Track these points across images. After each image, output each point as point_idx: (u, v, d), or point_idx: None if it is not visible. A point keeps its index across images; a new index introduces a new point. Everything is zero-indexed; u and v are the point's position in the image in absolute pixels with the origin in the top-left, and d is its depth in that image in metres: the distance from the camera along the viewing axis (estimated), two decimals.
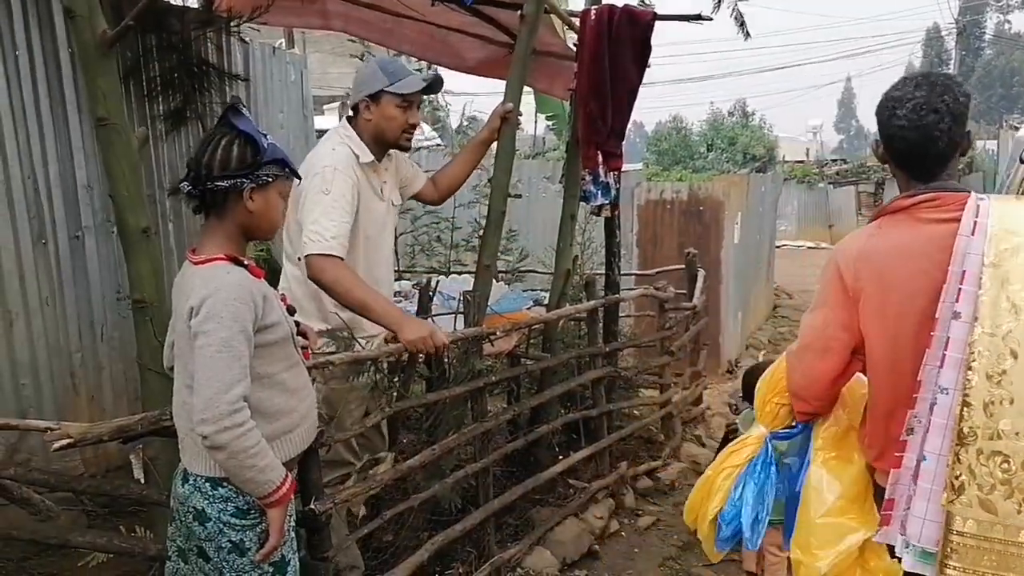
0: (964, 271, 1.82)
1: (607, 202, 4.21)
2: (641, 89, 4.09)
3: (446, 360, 3.35)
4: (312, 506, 2.42)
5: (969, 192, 1.93)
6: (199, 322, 1.90)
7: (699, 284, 6.18)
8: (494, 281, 4.43)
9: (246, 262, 2.05)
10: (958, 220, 1.87)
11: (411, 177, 3.37)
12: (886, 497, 1.93)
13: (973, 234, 1.83)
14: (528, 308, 4.34)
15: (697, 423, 6.22)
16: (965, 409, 1.79)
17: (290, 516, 2.12)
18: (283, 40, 8.63)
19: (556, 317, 4.09)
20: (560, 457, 4.26)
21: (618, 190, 4.23)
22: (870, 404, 2.09)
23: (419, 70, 5.81)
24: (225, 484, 1.99)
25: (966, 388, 1.79)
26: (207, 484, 2.00)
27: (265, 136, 2.04)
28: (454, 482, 3.19)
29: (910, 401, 1.88)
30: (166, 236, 4.45)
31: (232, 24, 4.24)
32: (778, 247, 13.46)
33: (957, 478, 1.80)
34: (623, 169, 4.31)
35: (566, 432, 4.62)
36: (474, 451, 3.46)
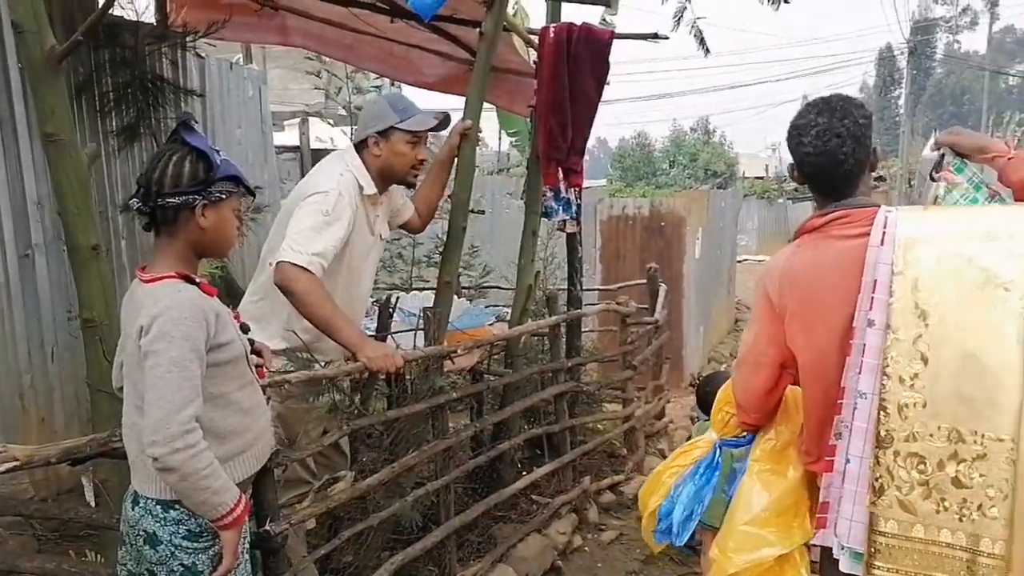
0: (875, 280, 1.89)
1: (569, 218, 4.22)
2: (604, 106, 4.13)
3: (407, 377, 3.33)
4: (267, 527, 2.38)
5: (878, 206, 2.00)
6: (149, 341, 1.85)
7: (661, 299, 6.22)
8: (456, 297, 4.42)
9: (198, 280, 2.02)
10: (868, 234, 1.94)
11: (400, 207, 3.38)
12: (820, 500, 1.99)
13: (882, 244, 1.90)
14: (490, 324, 4.33)
15: (660, 437, 6.24)
16: (882, 413, 1.85)
17: (244, 538, 2.08)
18: (241, 55, 8.57)
19: (518, 333, 4.09)
20: (523, 473, 4.24)
21: (579, 206, 4.25)
22: (804, 414, 2.15)
23: (378, 87, 5.81)
24: (177, 507, 1.95)
25: (882, 393, 1.85)
26: (158, 507, 1.96)
27: (218, 152, 2.02)
28: (414, 500, 3.15)
29: (839, 407, 1.93)
30: (118, 254, 4.37)
31: (187, 39, 4.20)
32: (739, 262, 13.62)
33: (877, 480, 1.85)
34: (587, 185, 4.35)
35: (529, 448, 4.61)
36: (435, 468, 3.43)
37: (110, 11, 3.30)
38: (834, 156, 2.02)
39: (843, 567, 1.91)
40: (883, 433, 1.84)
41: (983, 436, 1.77)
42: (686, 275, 8.57)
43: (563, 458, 4.41)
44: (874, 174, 2.18)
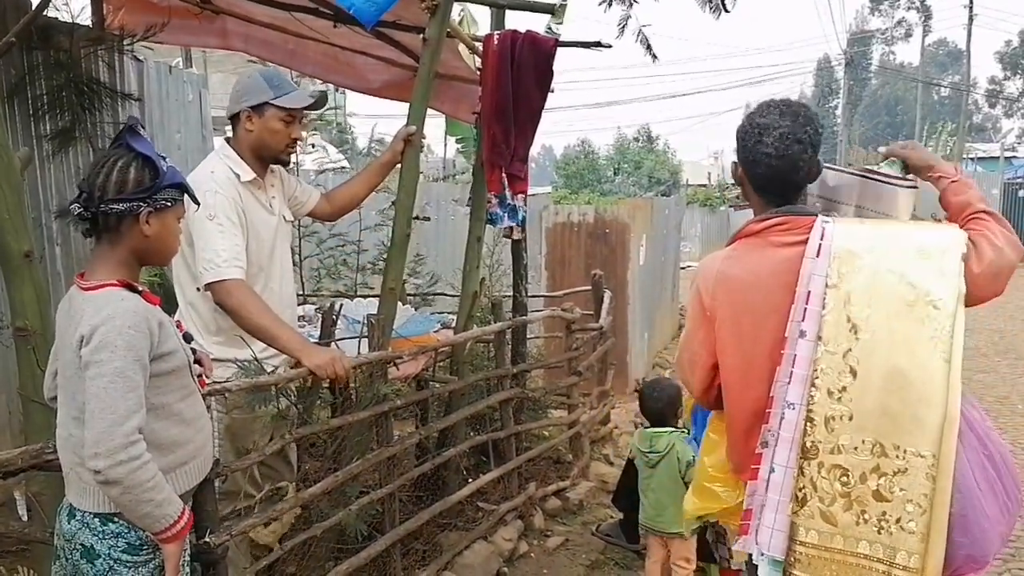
0: (809, 292, 1.92)
1: (514, 224, 4.24)
2: (549, 113, 4.16)
3: (352, 385, 3.30)
4: (207, 539, 2.34)
5: (816, 215, 2.02)
6: (91, 351, 1.81)
7: (605, 305, 6.27)
8: (401, 304, 4.40)
9: (140, 288, 1.98)
10: (806, 242, 1.96)
11: (301, 194, 3.32)
12: (744, 507, 2.01)
13: (818, 256, 1.93)
14: (436, 331, 4.32)
15: (605, 442, 6.29)
16: (808, 424, 1.88)
17: (185, 550, 2.04)
18: (180, 59, 8.43)
19: (463, 339, 4.09)
20: (469, 480, 4.24)
21: (525, 212, 4.27)
22: (728, 421, 2.15)
23: (323, 92, 5.75)
24: (116, 519, 1.91)
25: (810, 404, 1.88)
26: (96, 520, 1.91)
27: (164, 159, 1.99)
28: (359, 508, 3.13)
29: (766, 416, 1.95)
30: (52, 261, 4.25)
31: (125, 42, 4.12)
32: (683, 268, 13.80)
33: (800, 490, 1.88)
34: (533, 192, 4.37)
35: (475, 455, 4.61)
36: (380, 476, 3.41)
37: (44, 12, 3.22)
38: (794, 162, 2.02)
39: (762, 574, 1.94)
40: (808, 444, 1.87)
41: (905, 451, 1.80)
42: (631, 281, 8.65)
43: (508, 465, 4.42)
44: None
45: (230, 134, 3.08)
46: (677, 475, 3.66)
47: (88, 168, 2.03)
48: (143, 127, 2.03)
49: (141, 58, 4.81)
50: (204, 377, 2.29)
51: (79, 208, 1.93)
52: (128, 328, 1.84)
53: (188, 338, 2.16)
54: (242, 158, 2.97)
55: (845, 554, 1.85)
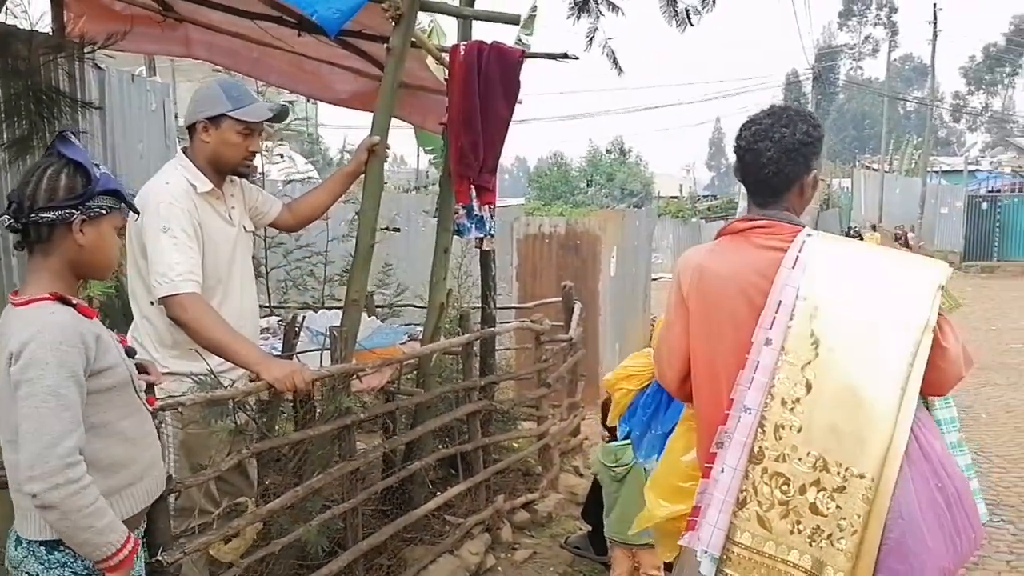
0: (780, 301, 1.94)
1: (482, 235, 4.22)
2: (523, 125, 4.17)
3: (316, 397, 3.26)
4: (160, 557, 2.27)
5: (802, 227, 2.04)
6: (20, 369, 1.73)
7: (576, 316, 6.26)
8: (368, 316, 4.36)
9: (74, 301, 1.88)
10: (786, 250, 1.98)
11: (262, 204, 3.27)
12: (694, 504, 2.03)
13: (794, 267, 1.95)
14: (402, 343, 4.27)
15: (575, 453, 6.26)
16: (760, 430, 1.90)
17: (138, 572, 1.98)
18: (144, 67, 8.32)
19: (429, 351, 4.05)
20: (436, 493, 4.19)
21: (493, 223, 4.25)
22: (697, 419, 2.21)
23: (291, 103, 5.71)
24: (61, 548, 1.83)
25: (764, 411, 1.90)
26: (41, 548, 1.83)
27: (98, 166, 1.92)
28: (321, 524, 3.07)
29: (724, 417, 1.97)
30: (10, 272, 4.15)
31: (85, 50, 4.04)
32: (655, 279, 13.85)
33: (743, 492, 1.90)
34: (507, 204, 4.37)
35: (442, 467, 4.57)
36: (343, 491, 3.36)
37: (1, 19, 3.15)
38: (758, 157, 2.05)
39: (703, 569, 1.95)
40: (757, 449, 1.89)
41: (846, 470, 1.81)
42: (602, 293, 8.66)
43: (476, 477, 4.38)
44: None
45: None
46: (644, 485, 3.63)
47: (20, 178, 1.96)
48: (76, 135, 1.95)
49: (102, 66, 4.73)
50: (153, 395, 2.22)
51: (9, 219, 1.85)
52: (59, 343, 1.76)
53: (131, 353, 2.08)
54: (199, 169, 2.91)
55: (775, 560, 1.87)
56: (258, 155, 3.22)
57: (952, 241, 27.65)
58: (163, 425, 2.41)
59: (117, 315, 3.69)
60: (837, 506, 1.81)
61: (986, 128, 57.59)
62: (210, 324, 2.70)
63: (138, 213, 2.21)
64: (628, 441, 3.73)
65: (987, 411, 8.19)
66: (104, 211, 1.91)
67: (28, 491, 1.71)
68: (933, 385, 1.88)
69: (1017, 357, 11.27)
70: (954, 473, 1.92)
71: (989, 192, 29.43)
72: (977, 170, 32.60)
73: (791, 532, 1.84)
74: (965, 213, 28.02)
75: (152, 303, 2.80)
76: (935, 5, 31.86)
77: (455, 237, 4.24)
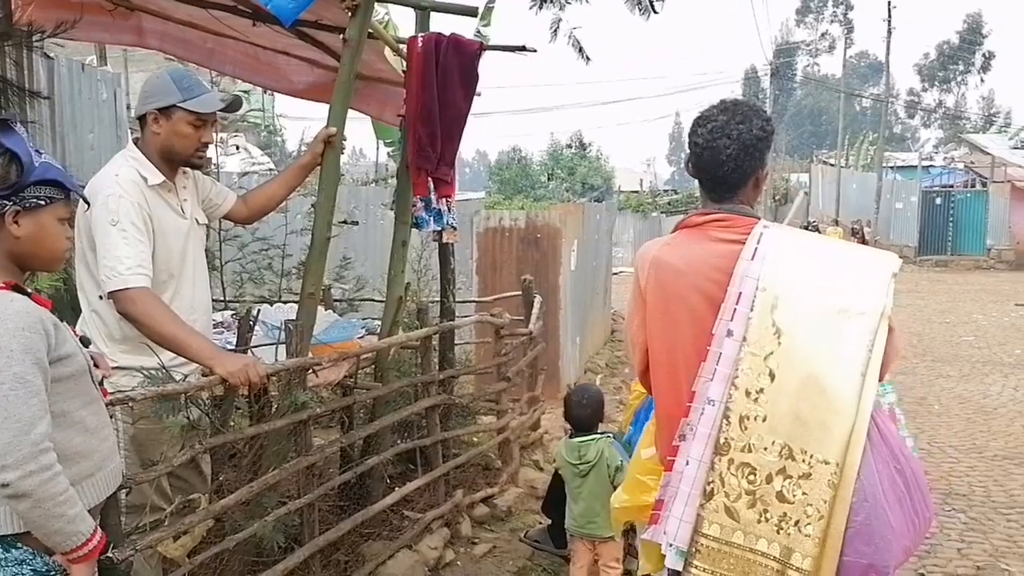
0: (740, 293, 1.95)
1: (440, 228, 4.20)
2: (484, 119, 4.15)
3: (270, 392, 3.22)
4: (111, 554, 2.22)
5: (759, 219, 2.07)
6: None
7: (536, 310, 6.26)
8: (325, 310, 4.31)
9: (29, 291, 1.87)
10: (743, 243, 2.00)
11: (216, 196, 3.22)
12: (657, 498, 2.04)
13: (753, 259, 1.96)
14: (360, 337, 4.24)
15: (535, 448, 6.27)
16: (724, 421, 1.91)
17: (95, 573, 1.94)
18: (95, 56, 8.13)
19: (386, 345, 4.02)
20: (394, 488, 4.17)
21: (453, 216, 4.23)
22: (656, 413, 2.22)
23: (246, 92, 5.62)
24: (19, 545, 1.79)
25: (728, 402, 1.91)
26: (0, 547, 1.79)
27: (40, 154, 1.87)
28: (277, 519, 3.04)
29: (686, 410, 1.98)
30: None
31: (34, 38, 3.94)
32: (615, 273, 13.94)
33: (710, 484, 1.92)
34: (467, 198, 4.34)
35: (401, 462, 4.54)
36: (299, 486, 3.32)
37: None
38: (717, 155, 2.06)
39: (668, 563, 1.96)
40: (722, 440, 1.91)
41: (811, 456, 1.84)
42: (562, 286, 8.67)
43: (435, 472, 4.36)
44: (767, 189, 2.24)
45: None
46: (607, 481, 3.66)
47: None
48: (16, 123, 1.89)
49: (51, 55, 4.61)
50: (104, 386, 2.18)
51: None
52: (22, 330, 1.74)
53: (85, 342, 2.05)
54: (150, 160, 2.85)
55: (744, 549, 1.89)
56: (213, 147, 3.17)
57: (907, 235, 28.24)
58: (113, 420, 2.36)
59: (66, 308, 3.60)
60: (803, 493, 1.83)
61: (940, 124, 58.80)
62: (160, 319, 2.65)
63: (88, 204, 2.15)
64: (592, 437, 3.75)
65: (940, 402, 8.38)
66: (43, 202, 1.87)
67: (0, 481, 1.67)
68: (883, 368, 1.92)
69: (969, 349, 11.54)
70: (909, 455, 1.97)
71: (943, 187, 30.11)
72: (931, 166, 33.30)
73: (759, 521, 1.87)
74: (919, 208, 28.62)
75: (101, 297, 2.74)
76: (889, 3, 32.46)
77: (414, 230, 4.22)
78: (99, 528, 1.86)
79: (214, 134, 3.18)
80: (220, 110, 2.96)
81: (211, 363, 2.71)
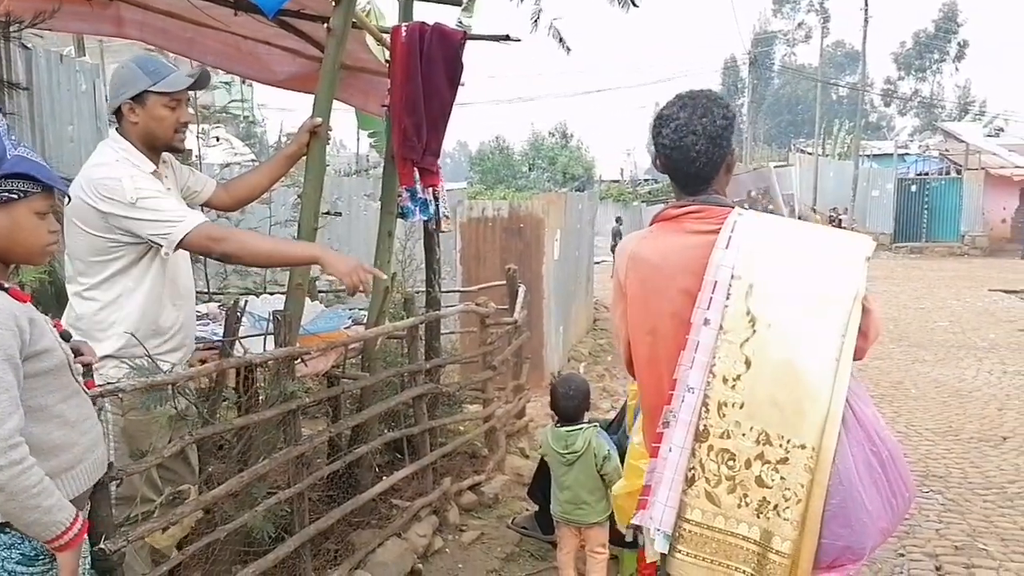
0: (716, 281, 1.98)
1: (426, 219, 4.20)
2: (465, 109, 4.15)
3: (260, 382, 3.22)
4: (103, 545, 2.23)
5: (733, 207, 2.09)
6: None
7: (520, 299, 6.29)
8: (312, 301, 4.31)
9: (7, 285, 1.85)
10: (718, 232, 2.02)
11: (195, 183, 3.21)
12: (643, 484, 2.06)
13: (727, 248, 1.99)
14: (347, 327, 4.25)
15: (521, 435, 6.31)
16: (704, 408, 1.94)
17: (85, 558, 1.95)
18: (73, 47, 8.02)
19: (373, 335, 4.03)
20: (382, 477, 4.18)
21: (438, 206, 4.23)
22: (641, 400, 2.25)
23: (227, 83, 5.58)
24: (8, 530, 1.81)
25: (707, 389, 1.94)
26: None
27: (17, 147, 1.84)
28: (266, 510, 3.05)
29: (668, 398, 2.01)
30: None
31: (11, 29, 3.91)
32: (597, 263, 13.99)
33: (691, 470, 1.95)
34: (449, 188, 4.33)
35: (389, 451, 4.56)
36: (289, 476, 3.33)
37: None
38: (687, 152, 2.07)
39: (656, 547, 1.99)
40: (702, 427, 1.94)
41: (788, 441, 1.87)
42: (545, 276, 8.71)
43: (423, 460, 4.38)
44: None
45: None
46: (594, 470, 3.69)
47: None
48: (1, 114, 1.88)
49: (29, 46, 4.56)
50: (92, 378, 2.18)
51: None
52: None
53: (66, 336, 2.04)
54: (137, 150, 2.85)
55: (725, 534, 1.92)
56: (194, 138, 3.16)
57: (883, 223, 28.53)
58: (103, 412, 2.36)
59: (50, 301, 3.59)
60: (781, 477, 1.86)
61: (915, 113, 59.28)
62: (251, 240, 2.79)
63: (70, 197, 2.14)
64: (579, 427, 3.78)
65: (916, 386, 8.50)
66: (17, 195, 1.84)
67: None
68: (858, 351, 1.95)
69: (944, 334, 11.71)
70: (886, 437, 1.99)
71: (918, 175, 30.43)
72: (906, 154, 33.62)
73: (739, 506, 1.90)
74: (895, 196, 28.92)
75: (166, 254, 2.78)
76: None
77: (398, 220, 4.22)
78: (79, 516, 1.87)
79: (194, 124, 3.16)
80: (190, 87, 2.94)
81: (324, 262, 2.83)
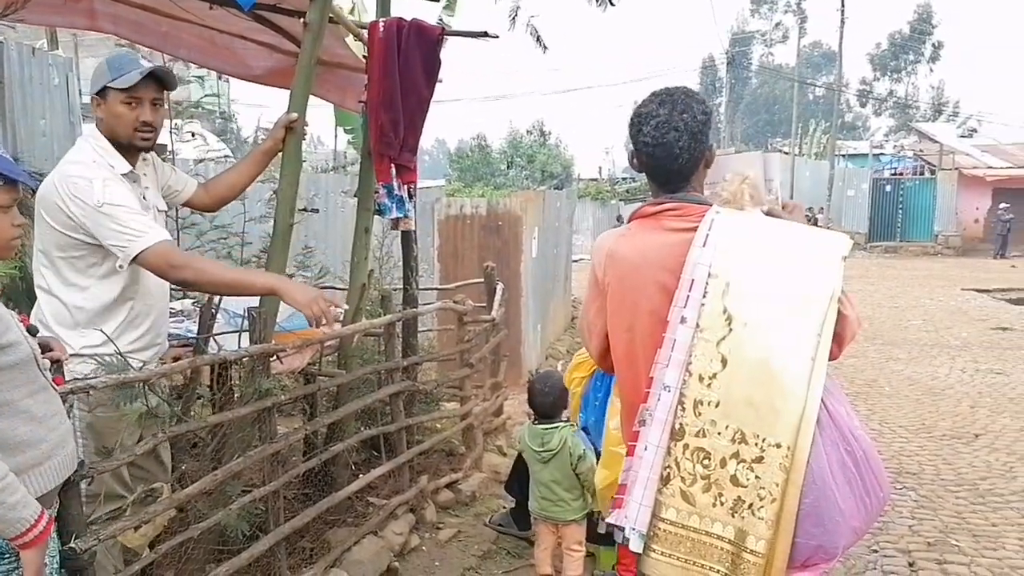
0: (693, 280, 1.98)
1: (402, 215, 4.18)
2: (443, 106, 4.13)
3: (235, 380, 3.19)
4: (73, 544, 2.20)
5: (710, 205, 2.09)
6: None
7: (498, 297, 6.28)
8: None
9: None
10: (695, 230, 2.02)
11: (176, 182, 3.18)
12: (619, 482, 2.06)
13: (704, 246, 1.99)
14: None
15: (498, 433, 6.31)
16: (679, 407, 1.94)
17: (53, 557, 1.92)
18: (45, 41, 7.91)
19: (350, 332, 4.01)
20: (359, 475, 4.16)
21: (414, 203, 4.21)
22: (620, 398, 2.26)
23: (200, 78, 5.53)
24: None
25: (683, 388, 1.94)
26: None
27: None
28: (241, 508, 3.02)
29: (645, 396, 2.01)
30: None
31: None
32: (576, 260, 14.00)
33: (666, 469, 1.94)
34: (427, 185, 4.32)
35: (366, 449, 4.54)
36: (264, 474, 3.31)
37: None
38: (670, 149, 2.06)
39: (632, 546, 1.99)
40: (677, 426, 1.93)
41: (763, 440, 1.87)
42: (523, 273, 8.70)
43: (399, 458, 4.36)
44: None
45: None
46: (569, 468, 3.70)
47: None
48: None
49: (1, 39, 4.49)
50: (62, 375, 2.15)
51: None
52: None
53: (33, 331, 2.01)
54: (113, 147, 2.82)
55: (700, 533, 1.92)
56: (170, 133, 3.12)
57: (858, 222, 28.81)
58: (71, 408, 2.33)
59: (21, 297, 3.53)
60: (756, 476, 1.86)
61: (890, 113, 59.88)
62: (212, 268, 2.73)
63: (34, 190, 2.10)
64: (555, 425, 3.79)
65: (890, 384, 8.59)
66: None
67: None
68: (832, 352, 1.96)
69: (917, 333, 11.84)
70: (860, 436, 1.99)
71: (893, 175, 30.74)
72: (881, 154, 33.98)
73: (714, 505, 1.89)
74: (870, 195, 29.20)
75: (120, 266, 2.72)
76: None
77: (375, 217, 4.20)
78: (46, 513, 1.85)
79: (166, 119, 3.13)
80: (166, 89, 2.91)
81: (283, 295, 2.79)
